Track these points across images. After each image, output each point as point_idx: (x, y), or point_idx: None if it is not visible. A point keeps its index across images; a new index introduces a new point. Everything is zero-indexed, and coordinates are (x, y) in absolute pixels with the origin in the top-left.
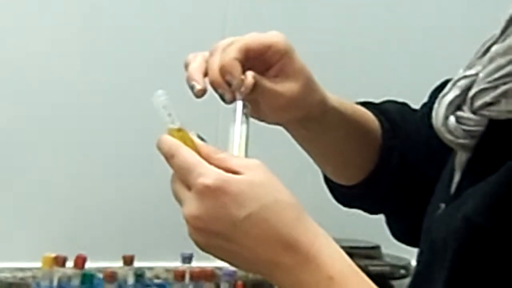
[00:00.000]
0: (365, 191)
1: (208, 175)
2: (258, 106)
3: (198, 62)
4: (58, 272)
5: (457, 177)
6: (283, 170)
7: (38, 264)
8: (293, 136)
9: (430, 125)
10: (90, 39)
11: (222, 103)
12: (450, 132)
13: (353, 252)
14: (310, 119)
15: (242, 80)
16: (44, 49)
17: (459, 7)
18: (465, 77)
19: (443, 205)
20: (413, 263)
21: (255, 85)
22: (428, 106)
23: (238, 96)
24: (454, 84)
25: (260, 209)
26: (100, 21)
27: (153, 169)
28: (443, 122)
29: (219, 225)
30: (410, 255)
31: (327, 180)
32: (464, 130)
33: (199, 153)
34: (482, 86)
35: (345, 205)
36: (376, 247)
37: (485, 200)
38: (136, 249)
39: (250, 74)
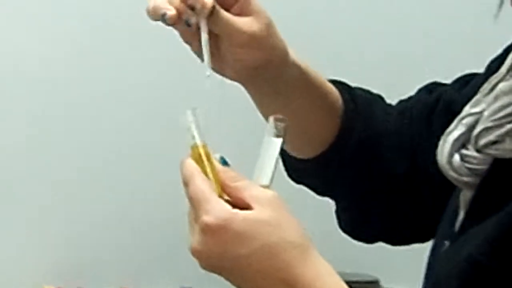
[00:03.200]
0: (316, 168)
1: (213, 213)
2: (219, 47)
3: None
4: None
5: (461, 215)
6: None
7: None
8: (252, 95)
9: (404, 122)
10: (90, 39)
11: None
12: (454, 170)
13: (351, 286)
14: (271, 67)
15: (204, 3)
16: (41, 49)
17: (458, 8)
18: (471, 114)
19: (447, 243)
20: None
21: (214, 13)
22: (410, 104)
23: (202, 20)
24: (459, 121)
25: (260, 249)
26: (101, 21)
27: (153, 199)
28: (448, 159)
29: (221, 261)
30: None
31: (281, 152)
32: (468, 168)
33: (218, 178)
34: (486, 125)
35: (295, 180)
36: (375, 282)
37: (489, 240)
38: (135, 281)
39: None
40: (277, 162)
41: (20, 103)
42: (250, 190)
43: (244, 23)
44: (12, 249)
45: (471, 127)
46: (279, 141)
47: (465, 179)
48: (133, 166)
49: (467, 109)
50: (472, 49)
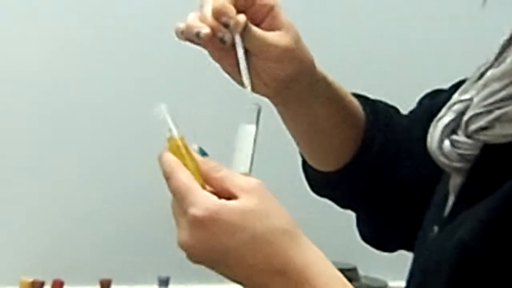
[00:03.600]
0: (340, 179)
1: (199, 205)
2: (250, 62)
3: (192, 17)
4: None
5: (451, 200)
6: None
7: None
8: (280, 110)
9: (415, 131)
10: (89, 40)
11: None
12: (445, 155)
13: None
14: (300, 80)
15: (237, 20)
16: (41, 51)
17: (458, 10)
18: (460, 101)
19: (436, 228)
20: (391, 284)
21: (248, 30)
22: (416, 113)
23: (236, 36)
24: (449, 108)
25: (250, 238)
26: (99, 21)
27: (130, 192)
28: (438, 145)
29: (211, 254)
30: (387, 276)
31: (304, 166)
32: (458, 154)
33: (198, 169)
34: (476, 111)
35: (319, 194)
36: (353, 269)
37: (480, 225)
38: (113, 273)
39: (241, 14)
40: (254, 149)
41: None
42: (233, 180)
43: (275, 37)
44: None
45: (461, 113)
46: (253, 128)
47: (456, 164)
48: (111, 161)
49: (456, 97)
50: (473, 51)
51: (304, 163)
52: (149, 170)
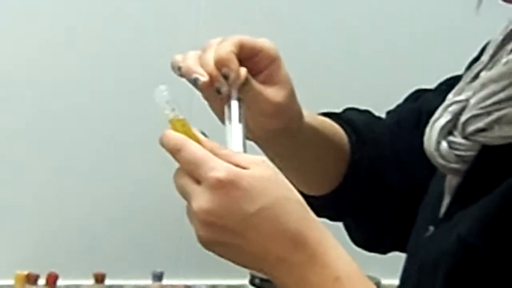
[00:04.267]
0: (332, 202)
1: (220, 169)
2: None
3: (193, 58)
4: None
5: (446, 201)
6: None
7: (11, 282)
8: (266, 153)
9: (401, 137)
10: (81, 38)
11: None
12: (442, 157)
13: None
14: (287, 134)
15: (238, 74)
16: (33, 50)
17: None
18: (456, 102)
19: (432, 228)
20: (384, 282)
21: (246, 82)
22: (398, 114)
23: (233, 90)
24: (445, 109)
25: (270, 205)
26: (89, 21)
27: (124, 186)
28: (436, 147)
29: (230, 220)
30: (380, 274)
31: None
32: (456, 155)
33: (204, 147)
34: (474, 112)
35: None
36: None
37: (480, 221)
38: (107, 267)
39: (243, 68)
40: (244, 125)
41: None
42: (241, 155)
43: (270, 93)
44: None
45: (457, 114)
46: (236, 104)
47: (453, 165)
48: (106, 156)
49: (450, 97)
50: (464, 49)
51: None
52: (146, 164)
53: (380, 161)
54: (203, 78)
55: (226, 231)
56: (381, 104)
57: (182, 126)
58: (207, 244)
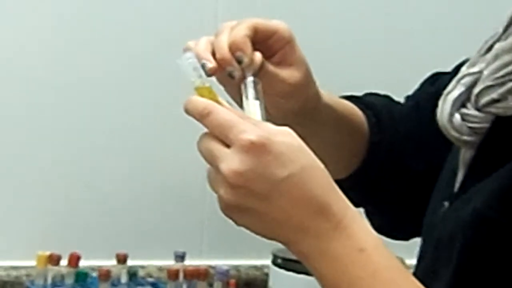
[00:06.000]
0: (351, 185)
1: (252, 132)
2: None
3: (204, 43)
4: (52, 270)
5: (461, 175)
6: None
7: (33, 263)
8: None
9: (420, 120)
10: (82, 32)
11: None
12: (455, 129)
13: None
14: (305, 114)
15: (252, 59)
16: (31, 47)
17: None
18: (469, 74)
19: (447, 203)
20: (407, 262)
21: (261, 66)
22: (416, 98)
23: (247, 74)
24: (458, 82)
25: (299, 171)
26: (92, 13)
27: (147, 167)
28: (448, 119)
29: (258, 184)
30: (402, 254)
31: None
32: (469, 127)
33: None
34: (487, 83)
35: None
36: None
37: (496, 194)
38: (130, 247)
39: (258, 53)
40: (261, 99)
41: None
42: (267, 124)
43: (286, 74)
44: (5, 214)
45: (470, 86)
46: (251, 82)
47: (466, 138)
48: (129, 136)
49: (464, 70)
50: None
51: None
52: (168, 144)
53: (399, 144)
54: (210, 64)
55: (252, 195)
56: (400, 89)
57: (209, 93)
58: (230, 209)
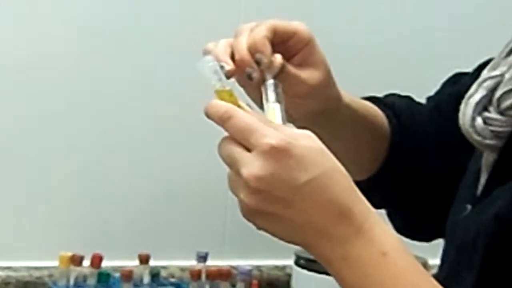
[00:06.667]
0: (372, 186)
1: (273, 136)
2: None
3: (223, 45)
4: (75, 271)
5: (483, 178)
6: None
7: (55, 263)
8: None
9: (437, 120)
10: (94, 33)
11: None
12: (477, 133)
13: None
14: (325, 115)
15: (272, 61)
16: (41, 48)
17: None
18: (491, 78)
19: (469, 206)
20: (431, 262)
21: (282, 68)
22: (437, 99)
23: (267, 76)
24: (479, 85)
25: (320, 175)
26: (106, 13)
27: (169, 168)
28: (471, 123)
29: (280, 188)
30: (426, 254)
31: None
32: (491, 131)
33: None
34: (509, 87)
35: None
36: None
37: None
38: (152, 248)
39: (278, 55)
40: (281, 102)
41: (30, 101)
42: (288, 128)
43: (306, 75)
44: (27, 215)
45: (492, 90)
46: (272, 84)
47: (488, 141)
48: (150, 136)
49: (485, 73)
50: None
51: None
52: (190, 145)
53: (420, 146)
54: (228, 66)
55: (273, 200)
56: (421, 90)
57: (229, 97)
58: (251, 214)
